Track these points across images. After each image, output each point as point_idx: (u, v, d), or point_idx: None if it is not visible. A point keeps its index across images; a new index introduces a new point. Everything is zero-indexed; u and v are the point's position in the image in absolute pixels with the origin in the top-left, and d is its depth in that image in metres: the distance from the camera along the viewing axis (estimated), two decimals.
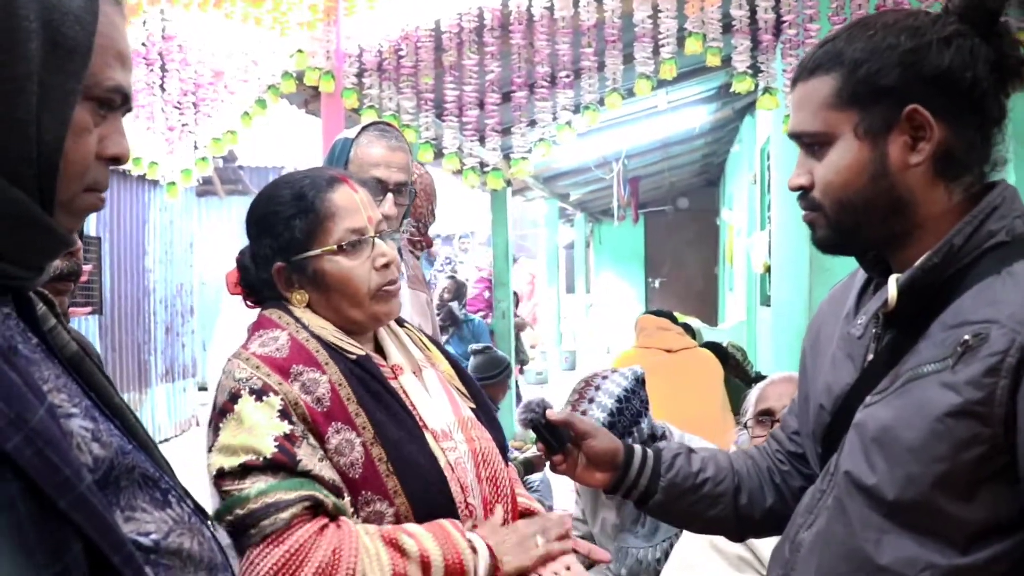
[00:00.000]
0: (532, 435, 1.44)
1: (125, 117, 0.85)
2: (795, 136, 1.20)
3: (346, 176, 1.49)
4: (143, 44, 4.13)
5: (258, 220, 1.47)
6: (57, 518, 0.67)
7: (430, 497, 1.35)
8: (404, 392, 1.44)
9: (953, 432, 1.03)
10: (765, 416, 2.26)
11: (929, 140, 1.11)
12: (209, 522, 0.89)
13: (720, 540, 2.14)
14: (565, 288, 13.72)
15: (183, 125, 4.26)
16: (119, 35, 0.83)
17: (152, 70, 4.21)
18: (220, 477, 1.28)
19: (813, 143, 1.17)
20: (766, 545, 2.06)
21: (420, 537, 1.29)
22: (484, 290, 8.05)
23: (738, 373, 4.53)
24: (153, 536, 0.77)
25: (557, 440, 1.40)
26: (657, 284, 14.36)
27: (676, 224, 14.26)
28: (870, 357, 1.19)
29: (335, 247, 1.41)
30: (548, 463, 1.43)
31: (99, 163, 0.82)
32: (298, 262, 1.42)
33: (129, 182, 7.77)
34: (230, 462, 1.27)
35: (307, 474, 1.27)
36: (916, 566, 1.06)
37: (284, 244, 1.43)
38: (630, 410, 2.44)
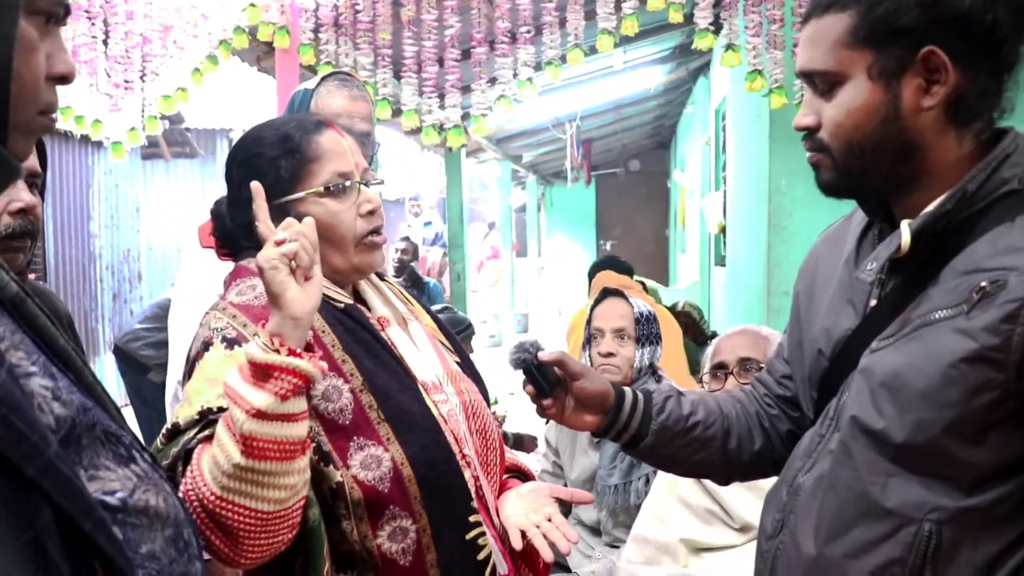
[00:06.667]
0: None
1: None
2: (804, 74, 1.17)
3: (332, 122, 1.44)
4: None
5: (241, 162, 1.41)
6: (25, 486, 0.63)
7: (425, 446, 1.32)
8: (392, 344, 1.40)
9: (967, 378, 1.03)
10: (719, 370, 2.27)
11: (944, 84, 1.08)
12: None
13: (688, 494, 2.15)
14: (517, 251, 13.73)
15: (127, 82, 4.10)
16: None
17: (94, 24, 4.04)
18: (165, 431, 1.22)
19: (823, 82, 1.14)
20: (734, 499, 2.08)
21: None
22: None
23: (694, 333, 4.55)
24: (119, 495, 0.73)
25: (548, 383, 1.35)
26: (608, 246, 14.42)
27: (627, 186, 14.32)
28: (872, 303, 1.17)
29: (321, 189, 1.36)
30: (536, 407, 1.38)
31: (48, 84, 0.75)
32: (282, 205, 1.36)
33: (71, 143, 7.52)
34: (185, 413, 1.21)
35: None
36: (923, 508, 1.06)
37: (268, 185, 1.35)
38: None
